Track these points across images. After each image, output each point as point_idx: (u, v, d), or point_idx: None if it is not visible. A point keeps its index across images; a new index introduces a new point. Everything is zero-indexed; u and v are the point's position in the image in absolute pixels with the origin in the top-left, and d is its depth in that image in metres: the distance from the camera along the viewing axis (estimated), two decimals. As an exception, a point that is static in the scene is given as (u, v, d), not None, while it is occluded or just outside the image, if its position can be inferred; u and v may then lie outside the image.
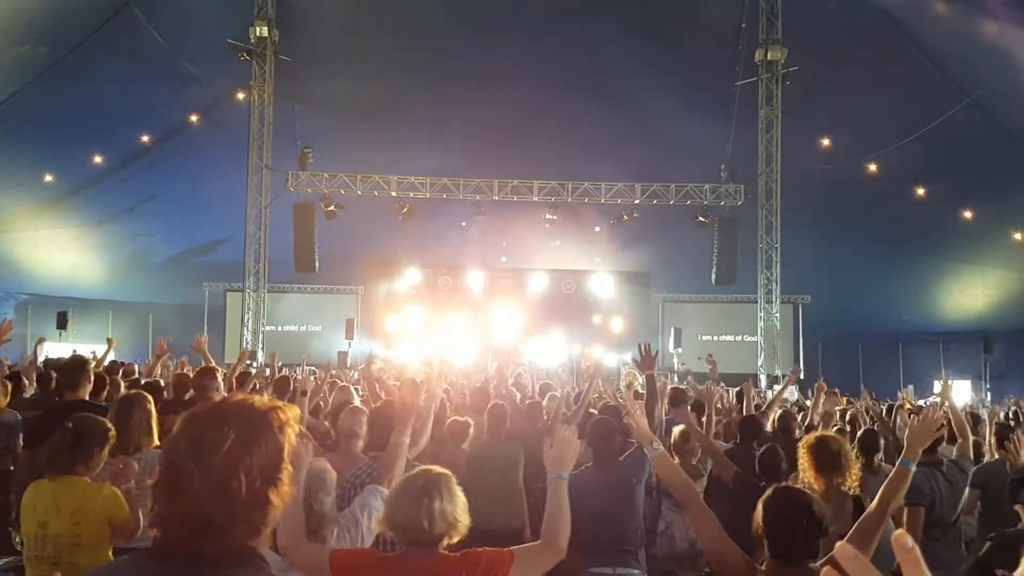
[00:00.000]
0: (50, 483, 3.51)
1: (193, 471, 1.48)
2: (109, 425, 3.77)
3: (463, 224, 23.64)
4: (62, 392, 5.68)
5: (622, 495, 4.85)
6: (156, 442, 4.22)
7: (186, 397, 6.61)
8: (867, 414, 7.95)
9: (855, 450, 5.79)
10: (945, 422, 4.33)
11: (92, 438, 3.64)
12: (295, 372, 13.60)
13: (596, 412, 7.30)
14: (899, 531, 1.10)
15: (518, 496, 5.85)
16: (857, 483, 3.74)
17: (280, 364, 17.53)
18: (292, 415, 1.63)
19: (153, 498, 1.54)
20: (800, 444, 3.86)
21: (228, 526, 1.50)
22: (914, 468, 3.23)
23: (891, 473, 3.21)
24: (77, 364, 5.58)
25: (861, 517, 3.09)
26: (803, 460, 3.72)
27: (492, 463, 5.83)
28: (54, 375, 8.21)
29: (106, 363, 9.46)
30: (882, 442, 5.79)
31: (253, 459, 1.51)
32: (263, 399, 1.65)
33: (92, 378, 5.69)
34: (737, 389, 8.62)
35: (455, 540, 2.64)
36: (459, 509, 2.63)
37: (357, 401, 6.28)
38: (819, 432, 3.90)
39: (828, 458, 3.63)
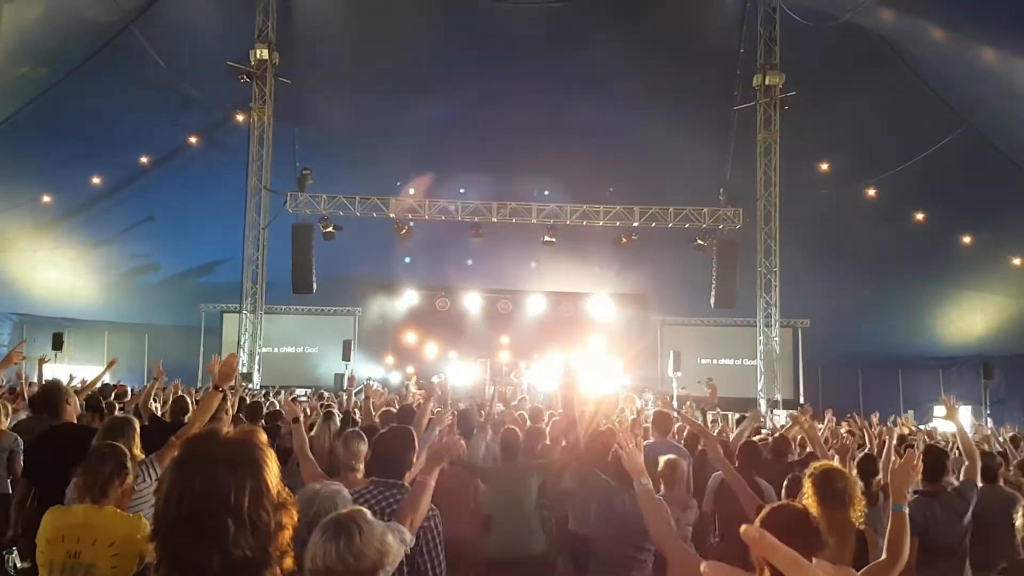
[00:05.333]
0: (85, 511, 3.44)
1: (224, 516, 1.48)
2: (126, 452, 3.72)
3: (462, 246, 23.62)
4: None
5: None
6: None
7: (185, 420, 6.53)
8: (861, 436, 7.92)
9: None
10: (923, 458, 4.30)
11: (118, 465, 3.59)
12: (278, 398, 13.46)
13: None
14: (746, 526, 1.03)
15: (536, 521, 5.76)
16: (862, 517, 3.68)
17: (277, 386, 17.46)
18: (264, 436, 1.65)
19: (163, 543, 1.51)
20: (806, 473, 3.78)
21: (263, 560, 1.52)
22: (907, 510, 3.23)
23: (888, 524, 3.21)
24: (52, 389, 5.45)
25: (872, 565, 3.09)
26: (808, 491, 3.64)
27: (509, 492, 5.73)
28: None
29: (98, 384, 9.36)
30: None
31: (270, 491, 1.55)
32: (238, 429, 1.66)
33: (72, 400, 5.57)
34: (737, 417, 8.49)
35: (393, 564, 2.57)
36: (381, 535, 2.53)
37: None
38: (825, 465, 3.81)
39: (832, 494, 3.56)
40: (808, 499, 3.55)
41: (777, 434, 7.12)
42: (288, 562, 1.58)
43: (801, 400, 22.16)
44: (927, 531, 4.69)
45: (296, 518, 1.62)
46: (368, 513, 2.61)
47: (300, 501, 2.85)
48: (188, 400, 7.03)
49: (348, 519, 2.53)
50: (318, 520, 2.74)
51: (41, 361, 9.59)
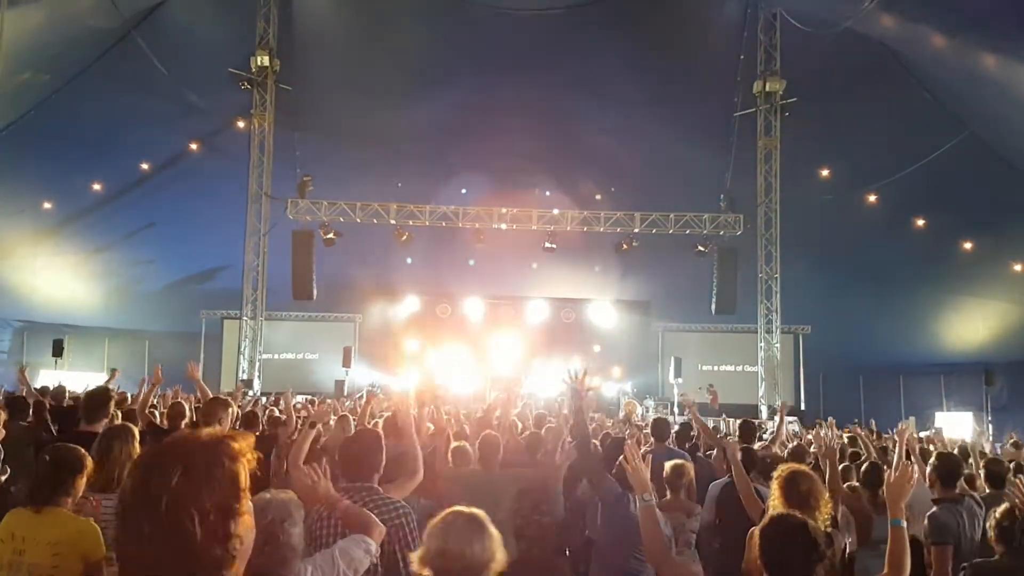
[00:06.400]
0: (32, 513, 3.47)
1: (142, 518, 1.42)
2: (84, 453, 3.73)
3: (463, 252, 23.62)
4: (78, 423, 5.51)
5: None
6: None
7: (182, 426, 6.50)
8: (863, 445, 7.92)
9: (860, 482, 5.72)
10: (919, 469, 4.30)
11: (69, 468, 3.59)
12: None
13: (596, 443, 7.18)
14: None
15: (508, 528, 5.68)
16: (828, 521, 3.69)
17: (274, 393, 17.38)
18: (245, 444, 1.56)
19: (116, 547, 1.49)
20: (774, 475, 3.78)
21: (190, 568, 1.43)
22: (905, 524, 3.22)
23: (888, 541, 3.18)
24: (104, 398, 5.42)
25: None
26: (774, 493, 3.65)
27: (483, 497, 5.65)
28: (47, 404, 8.11)
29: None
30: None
31: (204, 495, 1.45)
32: (212, 431, 1.59)
33: (109, 413, 5.55)
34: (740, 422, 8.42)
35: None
36: (499, 547, 2.60)
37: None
38: (792, 467, 3.82)
39: (797, 496, 3.56)
40: (775, 500, 3.55)
41: (795, 443, 7.09)
42: (235, 570, 1.51)
43: (803, 406, 22.17)
44: (960, 540, 4.67)
45: (251, 527, 1.55)
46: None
47: (254, 509, 2.83)
48: (185, 406, 7.00)
49: (483, 518, 2.60)
50: (273, 527, 2.71)
51: (22, 370, 9.59)
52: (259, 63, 20.75)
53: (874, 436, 10.95)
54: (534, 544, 5.72)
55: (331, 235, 21.51)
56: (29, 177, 19.63)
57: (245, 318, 21.54)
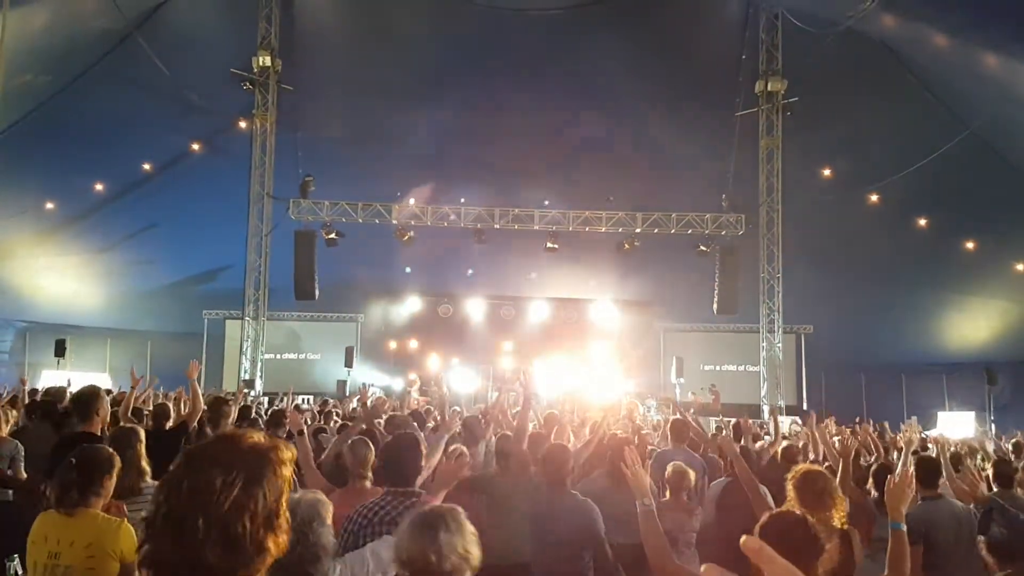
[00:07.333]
0: (62, 516, 3.44)
1: (199, 518, 1.42)
2: (112, 452, 3.70)
3: (465, 252, 23.61)
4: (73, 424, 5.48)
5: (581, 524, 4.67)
6: (149, 479, 4.15)
7: (167, 427, 6.50)
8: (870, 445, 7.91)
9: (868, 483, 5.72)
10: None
11: (98, 468, 3.56)
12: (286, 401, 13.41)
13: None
14: (745, 538, 1.09)
15: (526, 529, 5.67)
16: (845, 518, 3.70)
17: (280, 393, 17.45)
18: (291, 455, 1.58)
19: (148, 537, 1.47)
20: (788, 476, 3.80)
21: (228, 573, 1.45)
22: (905, 528, 3.26)
23: (889, 544, 3.23)
24: (88, 394, 5.34)
25: None
26: (789, 493, 3.67)
27: (502, 499, 5.63)
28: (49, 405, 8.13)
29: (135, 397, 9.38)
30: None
31: (258, 505, 1.47)
32: (263, 437, 1.58)
33: (103, 411, 5.52)
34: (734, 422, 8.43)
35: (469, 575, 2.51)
36: (468, 542, 2.50)
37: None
38: (807, 467, 3.84)
39: (812, 495, 3.58)
40: (790, 501, 3.56)
41: (786, 443, 7.12)
42: None
43: (804, 406, 22.15)
44: (929, 536, 4.70)
45: (284, 548, 1.54)
46: (463, 515, 2.58)
47: None
48: (170, 407, 7.01)
49: (439, 515, 2.51)
50: (301, 529, 2.72)
51: (23, 380, 9.61)
52: (261, 63, 20.80)
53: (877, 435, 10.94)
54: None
55: (333, 235, 21.54)
56: (31, 178, 19.67)
57: (247, 318, 21.56)
